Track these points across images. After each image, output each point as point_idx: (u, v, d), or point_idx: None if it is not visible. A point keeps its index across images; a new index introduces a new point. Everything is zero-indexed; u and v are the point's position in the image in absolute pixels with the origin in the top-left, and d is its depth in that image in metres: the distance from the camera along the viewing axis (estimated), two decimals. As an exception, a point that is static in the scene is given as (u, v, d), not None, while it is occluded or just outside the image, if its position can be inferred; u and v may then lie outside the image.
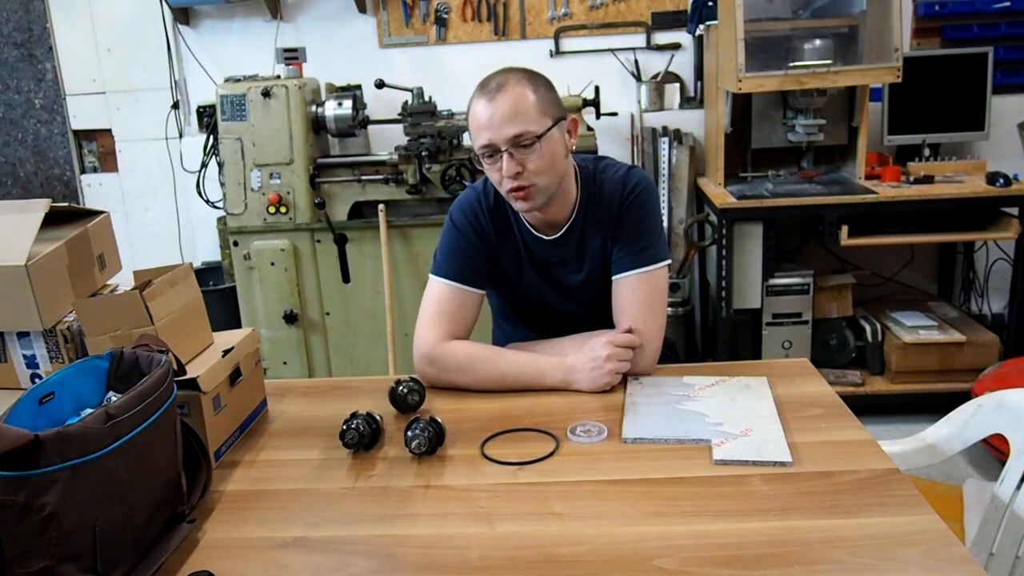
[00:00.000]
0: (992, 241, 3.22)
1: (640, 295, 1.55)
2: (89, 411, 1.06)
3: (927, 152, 3.11)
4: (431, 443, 1.27)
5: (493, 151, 1.47)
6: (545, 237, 1.61)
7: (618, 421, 1.35)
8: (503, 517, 1.11)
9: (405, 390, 1.42)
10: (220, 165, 3.04)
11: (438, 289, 1.59)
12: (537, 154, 1.46)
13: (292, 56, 3.08)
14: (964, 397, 1.72)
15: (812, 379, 1.50)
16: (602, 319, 1.61)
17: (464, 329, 1.59)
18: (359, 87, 3.20)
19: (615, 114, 3.25)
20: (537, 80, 1.50)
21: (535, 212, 1.57)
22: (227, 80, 3.04)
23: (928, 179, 2.92)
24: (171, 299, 1.30)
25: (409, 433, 1.27)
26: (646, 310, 1.54)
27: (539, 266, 1.64)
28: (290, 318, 3.08)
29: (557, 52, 3.34)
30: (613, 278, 1.58)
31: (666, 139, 3.30)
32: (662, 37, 3.33)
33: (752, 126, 3.12)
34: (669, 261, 1.60)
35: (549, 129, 1.47)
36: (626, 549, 1.01)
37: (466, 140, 3.06)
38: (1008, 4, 3.10)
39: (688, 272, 3.36)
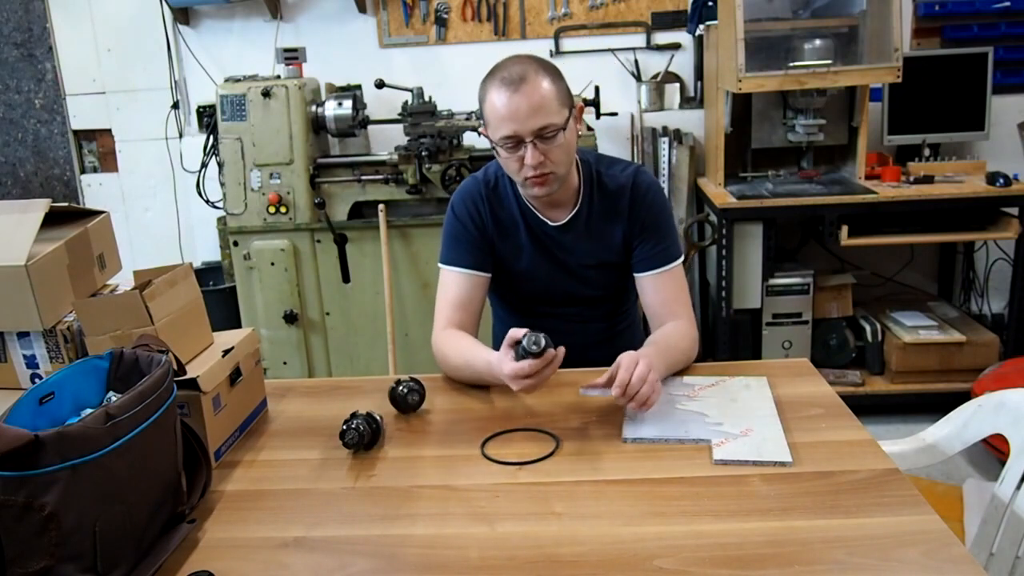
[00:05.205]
0: (992, 241, 3.22)
1: (673, 290, 1.63)
2: (89, 411, 1.06)
3: (927, 152, 3.11)
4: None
5: (516, 142, 1.49)
6: (550, 223, 1.65)
7: (618, 421, 1.35)
8: (503, 517, 1.11)
9: (405, 390, 1.42)
10: (220, 165, 3.04)
11: (443, 278, 1.67)
12: (559, 144, 1.50)
13: (292, 56, 3.08)
14: (964, 397, 1.72)
15: (812, 379, 1.50)
16: (601, 300, 1.73)
17: (468, 312, 1.63)
18: (359, 87, 3.20)
19: (615, 114, 3.25)
20: (550, 70, 1.52)
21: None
22: (227, 80, 3.04)
23: (928, 179, 2.92)
24: (171, 299, 1.30)
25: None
26: (685, 302, 1.63)
27: (542, 249, 1.68)
28: (290, 318, 3.08)
29: (557, 52, 3.34)
30: (642, 275, 1.64)
31: (666, 139, 3.30)
32: (662, 37, 3.33)
33: (752, 126, 3.12)
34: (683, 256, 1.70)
35: (567, 120, 1.51)
36: (626, 549, 1.02)
37: (466, 139, 3.06)
38: (1008, 4, 3.10)
39: (688, 272, 3.36)
